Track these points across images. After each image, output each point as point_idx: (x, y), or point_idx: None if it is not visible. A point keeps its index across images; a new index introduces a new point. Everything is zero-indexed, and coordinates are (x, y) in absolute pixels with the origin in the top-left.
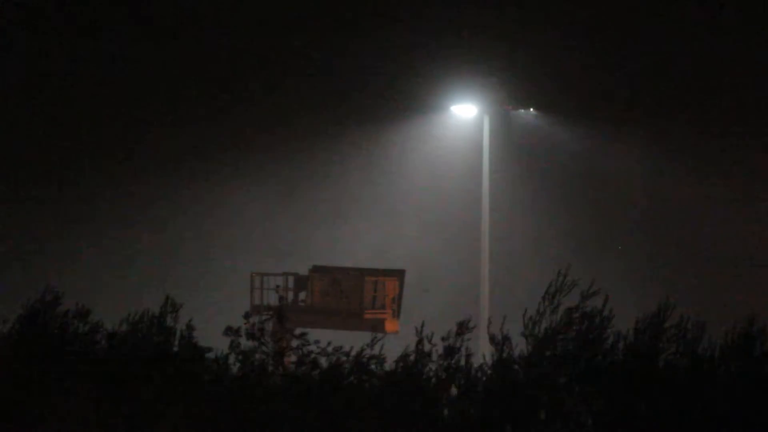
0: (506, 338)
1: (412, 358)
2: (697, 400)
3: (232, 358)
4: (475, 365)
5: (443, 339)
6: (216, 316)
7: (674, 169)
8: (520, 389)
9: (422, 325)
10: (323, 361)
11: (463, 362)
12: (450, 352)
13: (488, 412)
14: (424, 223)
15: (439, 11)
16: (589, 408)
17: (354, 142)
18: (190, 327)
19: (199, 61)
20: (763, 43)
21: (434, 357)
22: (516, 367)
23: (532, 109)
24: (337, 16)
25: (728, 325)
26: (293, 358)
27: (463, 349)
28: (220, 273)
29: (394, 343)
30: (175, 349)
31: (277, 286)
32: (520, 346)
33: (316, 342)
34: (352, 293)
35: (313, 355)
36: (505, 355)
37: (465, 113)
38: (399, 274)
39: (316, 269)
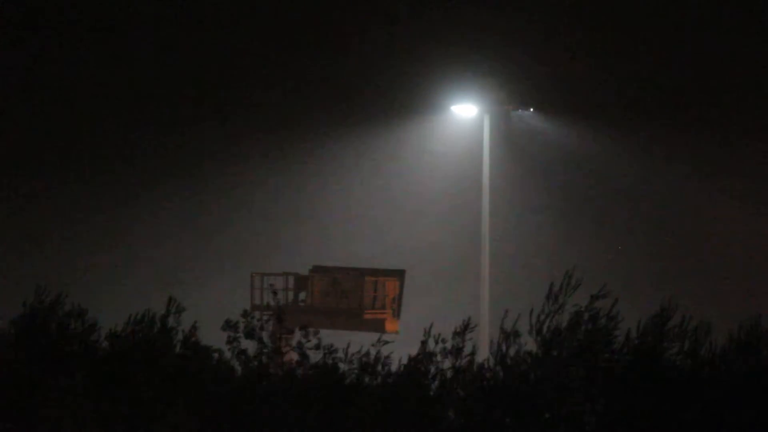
0: (516, 334)
1: (419, 358)
2: (700, 400)
3: (230, 356)
4: (476, 365)
5: (444, 340)
6: (216, 316)
7: (675, 169)
8: (527, 388)
9: (430, 327)
10: (321, 358)
11: (465, 362)
12: (454, 352)
13: (494, 412)
14: (424, 223)
15: (440, 11)
16: (593, 408)
17: (353, 142)
18: (194, 328)
19: (198, 61)
20: (763, 43)
21: (438, 357)
22: (523, 367)
23: (532, 109)
24: (338, 16)
25: (728, 325)
26: (294, 357)
27: (466, 349)
28: (220, 273)
29: (394, 343)
30: (177, 349)
31: (271, 284)
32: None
33: (315, 334)
34: (352, 293)
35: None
36: (513, 353)
37: (465, 113)
38: (399, 274)
39: (316, 269)
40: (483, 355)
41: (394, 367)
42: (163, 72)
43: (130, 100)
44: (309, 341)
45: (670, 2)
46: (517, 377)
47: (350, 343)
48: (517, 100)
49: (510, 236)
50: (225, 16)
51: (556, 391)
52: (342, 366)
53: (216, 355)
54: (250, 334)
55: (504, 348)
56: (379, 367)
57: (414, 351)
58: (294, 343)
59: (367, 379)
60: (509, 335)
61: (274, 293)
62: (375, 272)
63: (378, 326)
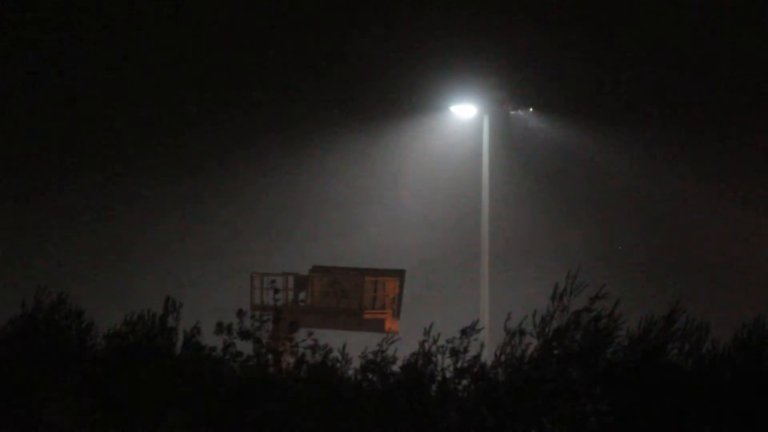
0: (522, 332)
1: (419, 358)
2: (702, 401)
3: (228, 360)
4: (476, 365)
5: (447, 341)
6: (216, 317)
7: (674, 169)
8: (530, 388)
9: (430, 326)
10: (321, 358)
11: (467, 363)
12: (455, 352)
13: (494, 412)
14: (423, 223)
15: (440, 11)
16: (595, 408)
17: (353, 142)
18: (196, 329)
19: (198, 61)
20: (763, 43)
21: (438, 357)
22: (524, 367)
23: (532, 109)
24: (338, 16)
25: (728, 326)
26: (293, 357)
27: (470, 350)
28: (220, 273)
29: (394, 343)
30: (177, 350)
31: (272, 281)
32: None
33: (310, 334)
34: (352, 293)
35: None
36: (517, 353)
37: (465, 113)
38: (399, 274)
39: (316, 269)
40: (484, 355)
41: (394, 368)
42: (163, 72)
43: (130, 100)
44: (305, 341)
45: (670, 2)
46: (519, 377)
47: (347, 343)
48: (516, 100)
49: (510, 236)
50: (225, 16)
51: (558, 391)
52: (342, 366)
53: (215, 354)
54: (245, 335)
55: (506, 348)
56: (380, 368)
57: (414, 351)
58: (294, 343)
59: (367, 379)
60: (513, 335)
61: (276, 291)
62: (375, 272)
63: (378, 326)
